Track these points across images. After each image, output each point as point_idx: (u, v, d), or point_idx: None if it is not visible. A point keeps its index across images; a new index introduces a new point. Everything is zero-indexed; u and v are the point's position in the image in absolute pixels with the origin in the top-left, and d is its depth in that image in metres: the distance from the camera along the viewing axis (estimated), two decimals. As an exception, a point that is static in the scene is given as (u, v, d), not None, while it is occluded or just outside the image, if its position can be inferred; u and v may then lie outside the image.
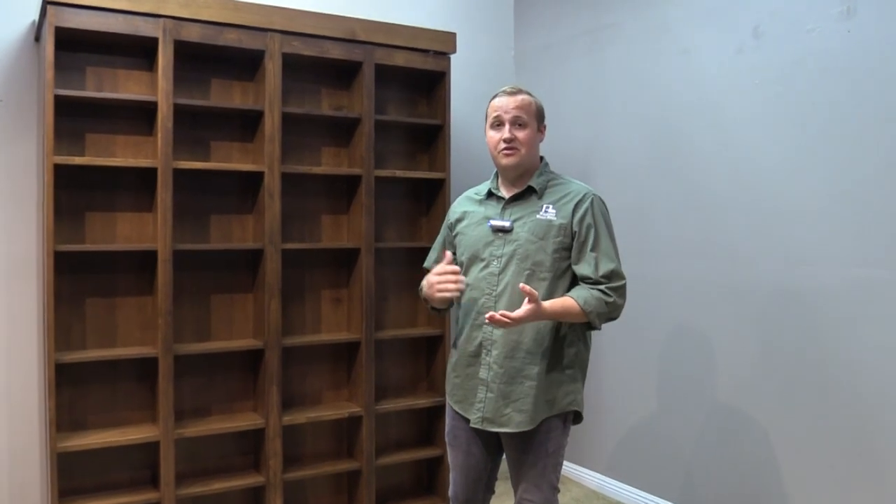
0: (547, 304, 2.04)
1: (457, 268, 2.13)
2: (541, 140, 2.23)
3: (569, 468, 3.83)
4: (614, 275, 2.10)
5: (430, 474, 3.52)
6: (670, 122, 3.26)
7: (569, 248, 2.12)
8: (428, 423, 3.50)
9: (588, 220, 2.12)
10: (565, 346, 2.16)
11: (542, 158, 2.26)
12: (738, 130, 2.97)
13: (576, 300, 2.06)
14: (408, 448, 3.43)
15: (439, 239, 2.44)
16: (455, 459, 2.32)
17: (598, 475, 3.68)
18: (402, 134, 3.47)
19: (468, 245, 2.24)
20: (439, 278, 2.12)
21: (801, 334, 2.75)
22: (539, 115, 2.21)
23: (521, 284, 2.00)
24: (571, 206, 2.14)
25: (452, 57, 3.45)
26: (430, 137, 3.48)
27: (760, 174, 2.88)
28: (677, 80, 3.22)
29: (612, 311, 2.11)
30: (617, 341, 3.54)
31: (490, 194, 2.26)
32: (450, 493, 2.37)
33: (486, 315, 2.01)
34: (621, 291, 2.11)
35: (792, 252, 2.78)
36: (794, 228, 2.77)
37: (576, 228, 2.12)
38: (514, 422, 2.13)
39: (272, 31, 2.97)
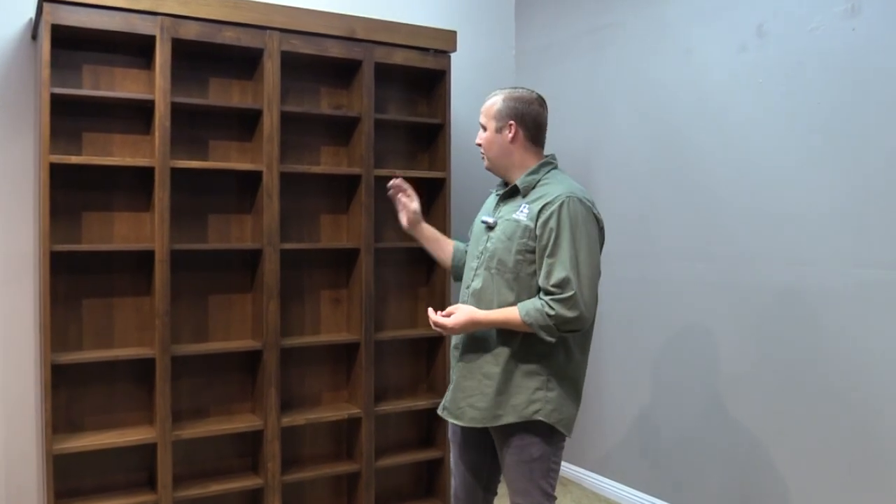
0: (484, 313, 2.08)
1: (394, 182, 2.47)
2: (508, 139, 2.15)
3: (568, 469, 3.81)
4: (565, 284, 1.98)
5: (429, 476, 3.50)
6: (672, 121, 3.24)
7: (533, 251, 2.06)
8: (428, 425, 3.48)
9: (551, 224, 2.02)
10: (536, 351, 2.08)
11: (547, 157, 2.22)
12: (740, 130, 2.94)
13: (518, 310, 2.03)
14: (407, 450, 3.41)
15: None
16: (454, 457, 2.36)
17: (599, 477, 3.66)
18: (402, 133, 3.45)
19: (471, 238, 2.32)
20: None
21: (804, 335, 2.73)
22: (498, 115, 2.15)
23: (429, 312, 2.16)
24: (539, 207, 2.06)
25: (453, 56, 3.43)
26: (431, 137, 3.46)
27: (763, 174, 2.86)
28: (679, 80, 3.20)
29: (559, 325, 1.99)
30: (618, 343, 3.52)
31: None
32: (451, 492, 2.41)
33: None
34: (569, 303, 1.97)
35: (795, 252, 2.75)
36: (797, 228, 2.74)
37: (538, 232, 2.05)
38: (467, 416, 2.15)
39: (271, 30, 2.95)
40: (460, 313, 2.09)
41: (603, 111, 3.60)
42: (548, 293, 2.01)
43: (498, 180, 2.33)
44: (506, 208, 2.19)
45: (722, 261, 3.03)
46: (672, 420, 3.27)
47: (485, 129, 2.20)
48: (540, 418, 2.08)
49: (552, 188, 2.11)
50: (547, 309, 1.99)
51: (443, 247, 2.51)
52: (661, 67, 3.29)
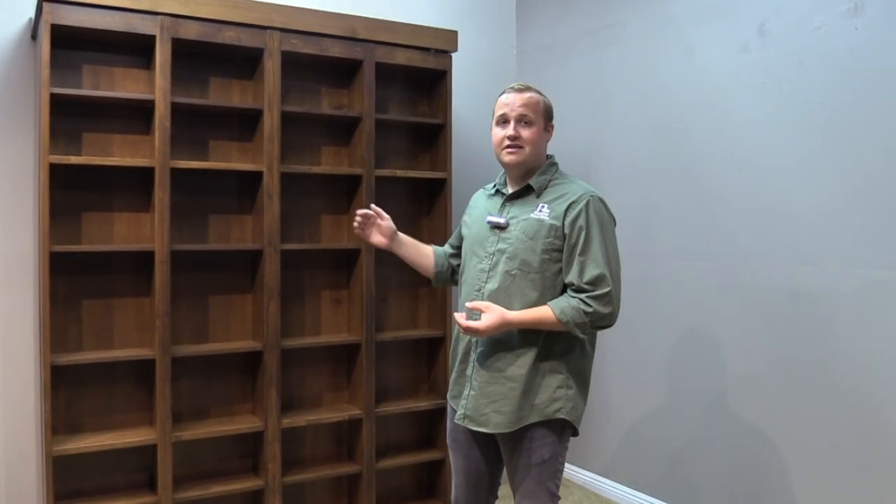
0: (515, 313, 2.03)
1: (365, 212, 2.40)
2: (547, 140, 2.19)
3: (572, 472, 3.80)
4: (600, 281, 2.00)
5: (430, 477, 3.49)
6: (674, 121, 3.23)
7: (560, 250, 2.06)
8: (429, 426, 3.47)
9: (580, 222, 2.03)
10: (556, 350, 2.09)
11: (550, 157, 2.21)
12: (743, 130, 2.93)
13: (552, 309, 2.01)
14: (408, 451, 3.40)
15: (455, 231, 2.46)
16: (455, 463, 2.31)
17: (602, 479, 3.65)
18: (402, 133, 3.44)
19: (470, 239, 2.25)
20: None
21: (807, 336, 2.72)
22: (547, 114, 2.16)
23: (467, 303, 2.08)
24: (564, 206, 2.06)
25: (454, 55, 3.42)
26: (432, 137, 3.45)
27: (766, 174, 2.85)
28: (681, 79, 3.19)
29: (595, 321, 2.01)
30: (620, 344, 3.51)
31: (498, 190, 2.25)
32: (452, 497, 2.36)
33: (456, 322, 2.07)
34: (605, 300, 2.00)
35: (797, 252, 2.74)
36: (800, 229, 2.73)
37: (567, 230, 2.05)
38: (492, 422, 2.10)
39: (271, 29, 2.94)
40: (492, 314, 2.02)
41: (604, 111, 3.59)
42: (581, 290, 2.01)
43: (493, 180, 2.30)
44: (516, 208, 2.15)
45: (724, 261, 3.02)
46: (675, 422, 3.26)
47: (530, 124, 2.10)
48: (562, 416, 2.08)
49: (570, 187, 2.12)
50: (584, 307, 2.00)
51: (423, 252, 2.45)
52: (663, 67, 3.28)
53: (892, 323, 2.46)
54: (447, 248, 2.47)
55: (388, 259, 3.34)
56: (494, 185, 2.27)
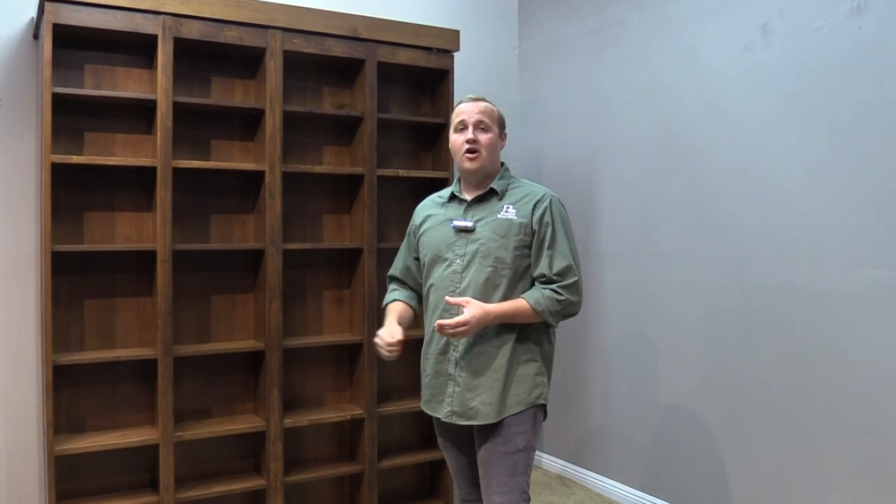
0: (494, 306, 2.12)
1: (399, 339, 2.14)
2: (502, 147, 2.29)
3: (572, 470, 3.80)
4: (567, 271, 2.15)
5: (432, 477, 3.49)
6: (677, 121, 3.22)
7: (529, 246, 2.18)
8: (430, 426, 3.45)
9: (546, 218, 2.18)
10: (530, 340, 2.20)
11: (503, 164, 2.31)
12: (746, 129, 2.93)
13: (527, 300, 2.13)
14: (410, 451, 3.40)
15: (403, 245, 2.46)
16: (451, 462, 2.37)
17: (602, 478, 3.65)
18: (404, 133, 3.44)
19: (432, 245, 2.28)
20: (383, 346, 2.14)
21: (809, 336, 2.71)
22: (500, 123, 2.28)
23: (446, 298, 2.12)
24: (531, 205, 2.20)
25: (456, 55, 3.42)
26: (434, 136, 3.45)
27: (767, 173, 2.85)
28: (684, 79, 3.19)
29: (565, 309, 2.16)
30: (621, 343, 3.50)
31: (453, 197, 2.32)
32: (459, 497, 2.41)
33: (435, 325, 2.07)
34: (573, 289, 2.16)
35: (800, 252, 2.74)
36: (802, 228, 2.73)
37: (535, 227, 2.18)
38: (481, 414, 2.16)
39: (274, 29, 2.94)
40: (474, 307, 2.06)
41: (606, 110, 3.58)
42: (551, 281, 2.15)
43: (447, 190, 2.35)
44: (480, 211, 2.22)
45: (725, 261, 3.01)
46: (678, 422, 3.26)
47: (486, 130, 2.21)
48: (542, 402, 2.21)
49: (531, 188, 2.26)
50: (556, 295, 2.14)
51: (407, 312, 2.39)
52: (665, 66, 3.27)
53: (893, 323, 2.46)
54: (405, 272, 2.44)
55: (390, 259, 3.34)
56: (450, 192, 2.32)
